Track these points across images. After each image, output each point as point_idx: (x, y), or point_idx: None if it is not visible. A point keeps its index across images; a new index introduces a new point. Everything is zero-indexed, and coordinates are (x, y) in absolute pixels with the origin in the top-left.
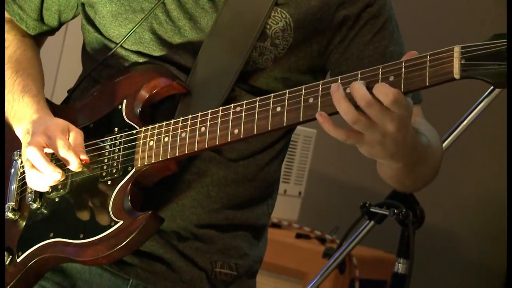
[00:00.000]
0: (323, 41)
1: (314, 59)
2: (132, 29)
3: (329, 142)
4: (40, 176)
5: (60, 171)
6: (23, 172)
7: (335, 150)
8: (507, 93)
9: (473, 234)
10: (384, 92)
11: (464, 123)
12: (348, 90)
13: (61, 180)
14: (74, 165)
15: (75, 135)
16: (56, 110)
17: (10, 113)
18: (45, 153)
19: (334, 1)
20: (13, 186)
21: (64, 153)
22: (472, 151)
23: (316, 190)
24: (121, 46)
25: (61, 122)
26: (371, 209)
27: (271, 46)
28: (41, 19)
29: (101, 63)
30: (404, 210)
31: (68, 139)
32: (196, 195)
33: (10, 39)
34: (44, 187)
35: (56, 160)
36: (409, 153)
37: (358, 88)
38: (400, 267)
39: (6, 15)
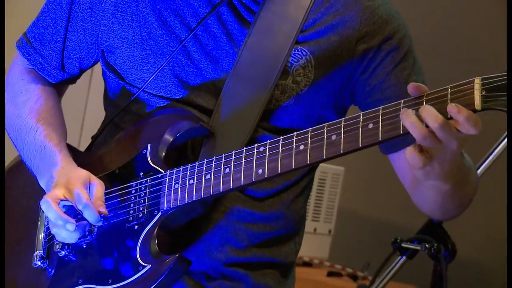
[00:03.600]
0: (345, 76)
1: (337, 95)
2: (154, 74)
3: (357, 179)
4: (62, 230)
5: (73, 222)
6: None
7: (363, 187)
8: (507, 108)
9: (505, 266)
10: (463, 116)
11: (494, 154)
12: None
13: (83, 231)
14: (93, 219)
15: (96, 187)
16: (80, 157)
17: (33, 165)
18: (64, 205)
19: (353, 36)
20: (41, 235)
21: (81, 206)
22: (501, 181)
23: (346, 228)
24: (143, 90)
25: (83, 174)
26: (403, 245)
27: (292, 84)
28: (62, 67)
29: (123, 109)
30: (435, 244)
31: (89, 190)
32: (223, 233)
33: (32, 89)
34: (71, 240)
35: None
36: (456, 171)
37: (430, 110)
38: None
39: (28, 64)
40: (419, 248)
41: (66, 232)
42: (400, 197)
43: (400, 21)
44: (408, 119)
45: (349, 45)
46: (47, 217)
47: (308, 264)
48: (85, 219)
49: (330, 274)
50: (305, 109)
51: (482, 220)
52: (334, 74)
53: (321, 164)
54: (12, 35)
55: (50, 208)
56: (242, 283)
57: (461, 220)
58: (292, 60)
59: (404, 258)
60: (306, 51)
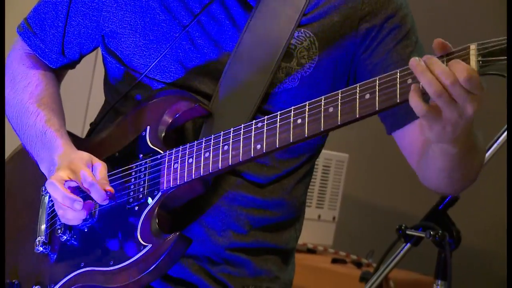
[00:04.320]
0: (348, 56)
1: (341, 76)
2: (156, 59)
3: (361, 166)
4: (69, 211)
5: (80, 200)
6: (52, 206)
7: (368, 174)
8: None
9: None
10: (460, 69)
11: (498, 142)
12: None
13: (92, 209)
14: (100, 197)
15: (99, 168)
16: (81, 143)
17: (34, 150)
18: (69, 186)
19: (356, 15)
20: (43, 220)
21: (88, 185)
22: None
23: (350, 215)
24: (145, 75)
25: (84, 155)
26: (407, 232)
27: (297, 66)
28: (62, 52)
29: (125, 94)
30: (440, 231)
31: (92, 172)
32: (226, 218)
33: (32, 74)
34: (77, 221)
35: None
36: (467, 136)
37: (441, 65)
38: None
39: (29, 49)
40: (423, 235)
41: (73, 212)
42: (405, 184)
43: (402, 0)
44: (422, 75)
45: (352, 25)
46: (50, 201)
47: (312, 251)
48: (90, 199)
49: (335, 261)
50: (308, 91)
51: (487, 207)
52: (338, 55)
53: (325, 151)
54: (13, 21)
55: (56, 189)
56: (245, 268)
57: (466, 207)
58: (295, 42)
59: (408, 245)
60: (310, 33)
